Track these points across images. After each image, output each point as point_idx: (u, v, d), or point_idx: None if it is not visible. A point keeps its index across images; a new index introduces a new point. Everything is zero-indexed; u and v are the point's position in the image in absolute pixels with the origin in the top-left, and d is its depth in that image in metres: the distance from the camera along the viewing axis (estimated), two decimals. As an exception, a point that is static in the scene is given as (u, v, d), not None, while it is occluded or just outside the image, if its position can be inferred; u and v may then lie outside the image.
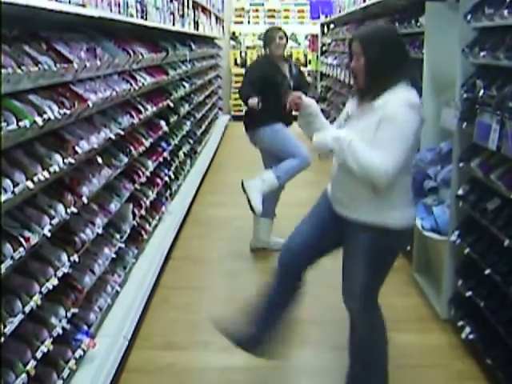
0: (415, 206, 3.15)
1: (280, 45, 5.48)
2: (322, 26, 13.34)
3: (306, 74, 10.24)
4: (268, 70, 5.51)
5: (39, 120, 2.77)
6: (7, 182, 2.55)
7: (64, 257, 3.09)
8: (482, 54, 3.54)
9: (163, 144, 6.00)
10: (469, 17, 3.73)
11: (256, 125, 5.52)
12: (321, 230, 3.13)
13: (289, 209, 5.78)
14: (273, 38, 5.47)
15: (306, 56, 14.77)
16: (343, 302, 3.13)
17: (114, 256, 3.93)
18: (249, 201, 5.24)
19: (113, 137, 3.98)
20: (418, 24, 4.96)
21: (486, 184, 3.59)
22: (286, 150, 5.41)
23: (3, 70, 2.48)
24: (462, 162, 3.83)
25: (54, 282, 2.89)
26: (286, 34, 5.57)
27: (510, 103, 3.13)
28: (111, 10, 3.98)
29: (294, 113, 5.15)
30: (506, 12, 3.22)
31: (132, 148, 4.59)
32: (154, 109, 5.42)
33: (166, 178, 5.95)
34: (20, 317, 2.55)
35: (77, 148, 3.28)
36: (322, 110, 10.42)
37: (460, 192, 3.90)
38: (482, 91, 3.51)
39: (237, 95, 14.02)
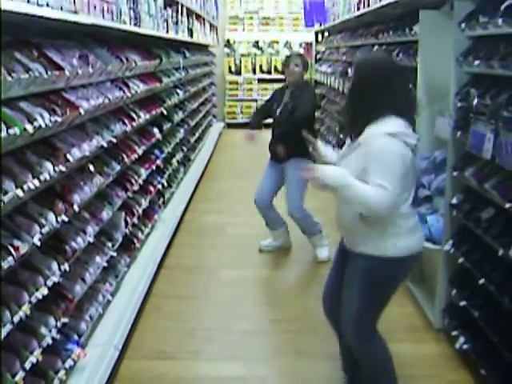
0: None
1: (292, 72, 5.47)
2: (317, 34, 13.35)
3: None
4: (276, 95, 5.70)
5: (30, 127, 2.74)
6: (-4, 190, 2.52)
7: (54, 266, 3.06)
8: (476, 62, 3.53)
9: (156, 151, 5.97)
10: (463, 25, 3.72)
11: None
12: (341, 273, 3.16)
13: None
14: (287, 65, 5.52)
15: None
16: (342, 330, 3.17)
17: (105, 265, 3.90)
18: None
19: (105, 144, 3.95)
20: (412, 32, 4.96)
21: (480, 193, 3.57)
22: None
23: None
24: (455, 170, 3.82)
25: (44, 291, 2.86)
26: (304, 62, 5.52)
27: (504, 112, 3.12)
28: (104, 17, 3.95)
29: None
30: (500, 21, 3.20)
31: (125, 156, 4.56)
32: (148, 116, 5.40)
33: (159, 186, 5.92)
34: (9, 327, 2.52)
35: (68, 156, 3.25)
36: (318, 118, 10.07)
37: (454, 201, 3.88)
38: (475, 100, 3.50)
39: (231, 102, 14.19)
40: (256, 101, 14.32)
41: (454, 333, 3.75)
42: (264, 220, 5.75)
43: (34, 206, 3.05)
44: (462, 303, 3.65)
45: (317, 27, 12.77)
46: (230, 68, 14.68)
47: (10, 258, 2.54)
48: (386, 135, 2.74)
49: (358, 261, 2.97)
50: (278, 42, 14.90)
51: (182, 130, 7.77)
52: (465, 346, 3.60)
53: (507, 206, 3.11)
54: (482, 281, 3.38)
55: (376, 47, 6.74)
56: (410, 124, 2.87)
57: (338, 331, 3.30)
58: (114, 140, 4.20)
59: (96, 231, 3.75)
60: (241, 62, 14.66)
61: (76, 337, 3.30)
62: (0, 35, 2.48)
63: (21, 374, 2.58)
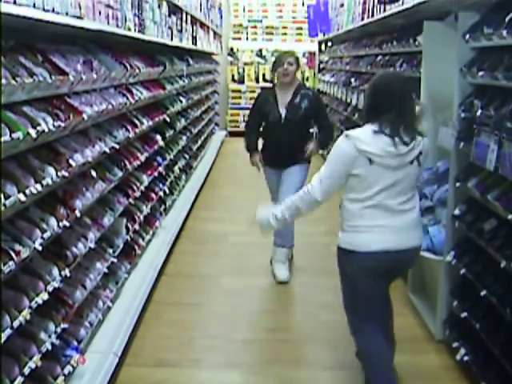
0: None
1: (286, 71, 5.08)
2: (320, 43, 13.38)
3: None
4: (263, 99, 5.29)
5: (33, 132, 2.74)
6: (-2, 195, 2.51)
7: (55, 271, 3.05)
8: (480, 73, 3.53)
9: (159, 158, 5.98)
10: (467, 36, 3.73)
11: None
12: None
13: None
14: (280, 64, 5.10)
15: (303, 73, 14.79)
16: None
17: (106, 271, 3.89)
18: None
19: (107, 150, 3.95)
20: (416, 43, 4.96)
21: (483, 204, 3.56)
22: None
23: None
24: (458, 181, 3.81)
25: (45, 296, 2.85)
26: (297, 60, 5.18)
27: (508, 123, 3.12)
28: (108, 24, 3.96)
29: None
30: (504, 32, 3.21)
31: (127, 162, 4.56)
32: (150, 123, 5.40)
33: (161, 193, 5.92)
34: (8, 332, 2.50)
35: (71, 161, 3.25)
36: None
37: (456, 212, 3.87)
38: (479, 111, 3.50)
39: (233, 111, 14.17)
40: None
41: (455, 344, 3.73)
42: (277, 240, 5.40)
43: (35, 210, 3.04)
44: (463, 314, 3.63)
45: (320, 37, 12.80)
46: (233, 76, 14.71)
47: (11, 263, 2.54)
48: (344, 135, 3.04)
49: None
50: (281, 52, 14.91)
51: (184, 138, 7.77)
52: (466, 358, 3.57)
53: (510, 217, 3.10)
54: (483, 292, 3.36)
55: (379, 57, 6.76)
56: (391, 134, 2.98)
57: None
58: (117, 146, 4.20)
59: (97, 237, 3.75)
60: (244, 70, 14.69)
61: (75, 343, 3.28)
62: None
63: (19, 380, 2.57)
